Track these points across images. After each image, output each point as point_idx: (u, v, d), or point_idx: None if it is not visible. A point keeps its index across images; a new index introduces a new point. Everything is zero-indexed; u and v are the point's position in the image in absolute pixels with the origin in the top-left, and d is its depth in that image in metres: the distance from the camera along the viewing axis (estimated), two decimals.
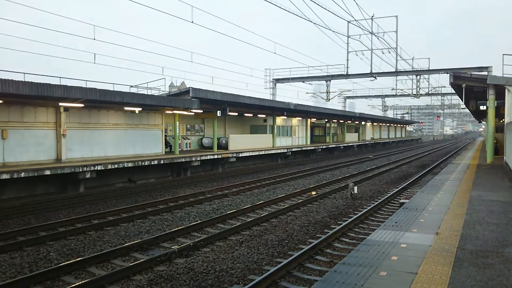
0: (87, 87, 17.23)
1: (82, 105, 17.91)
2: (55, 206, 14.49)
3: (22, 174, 14.80)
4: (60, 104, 17.52)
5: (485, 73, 28.96)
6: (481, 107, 21.91)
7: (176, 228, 10.89)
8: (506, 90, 18.61)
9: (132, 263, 8.15)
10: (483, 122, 54.32)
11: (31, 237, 10.32)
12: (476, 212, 9.05)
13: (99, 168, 17.55)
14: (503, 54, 19.01)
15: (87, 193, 17.44)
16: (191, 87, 22.50)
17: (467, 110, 55.55)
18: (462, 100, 26.22)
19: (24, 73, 17.11)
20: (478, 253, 6.06)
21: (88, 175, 17.12)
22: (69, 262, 8.07)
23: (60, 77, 18.76)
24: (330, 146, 43.00)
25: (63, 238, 10.44)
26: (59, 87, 15.81)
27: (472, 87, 22.10)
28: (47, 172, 15.62)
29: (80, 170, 16.82)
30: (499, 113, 22.56)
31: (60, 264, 8.00)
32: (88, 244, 9.93)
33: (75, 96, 16.39)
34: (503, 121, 22.22)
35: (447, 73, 29.88)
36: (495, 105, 20.69)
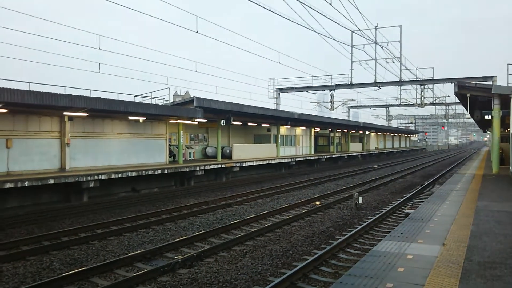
0: (91, 96, 17.30)
1: (86, 114, 17.96)
2: (59, 215, 14.47)
3: (26, 183, 14.80)
4: (65, 113, 17.57)
5: (490, 82, 28.89)
6: (486, 117, 21.80)
7: (180, 238, 10.83)
8: (511, 100, 18.52)
9: (136, 273, 8.09)
10: (488, 132, 54.09)
11: (34, 246, 10.29)
12: (483, 222, 8.94)
13: (102, 177, 17.54)
14: (508, 64, 18.94)
15: (90, 202, 17.42)
16: (195, 97, 22.55)
17: (471, 120, 55.36)
18: (467, 110, 26.10)
19: (29, 82, 17.21)
20: (486, 265, 5.96)
21: (91, 184, 17.10)
22: (72, 272, 8.01)
23: (64, 87, 18.89)
24: (334, 155, 42.89)
25: (66, 247, 10.39)
26: (64, 97, 15.88)
27: (477, 96, 22.02)
28: (51, 181, 15.62)
29: (84, 179, 16.81)
30: (504, 123, 22.46)
31: (63, 274, 7.93)
32: (91, 253, 9.88)
33: (80, 106, 16.45)
34: (509, 131, 22.10)
35: (452, 82, 29.86)
36: (500, 114, 20.59)
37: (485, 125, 44.67)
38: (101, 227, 12.65)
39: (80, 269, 8.17)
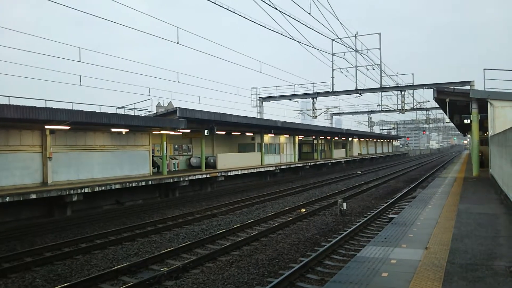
0: (73, 109, 17.14)
1: (68, 127, 17.78)
2: (41, 230, 14.24)
3: (7, 199, 14.53)
4: (46, 126, 17.37)
5: (468, 87, 29.47)
6: (465, 121, 22.26)
7: (165, 250, 10.76)
8: (489, 104, 18.96)
9: (121, 287, 8.01)
10: (468, 136, 55.06)
11: (16, 263, 10.10)
12: (464, 225, 9.11)
13: (86, 190, 17.34)
14: (484, 69, 19.40)
15: (74, 216, 17.18)
16: (178, 107, 22.51)
17: (452, 124, 56.29)
18: (447, 114, 26.60)
19: (8, 96, 16.95)
20: (467, 267, 6.08)
21: (75, 198, 16.88)
22: None
23: (45, 100, 18.65)
24: (318, 162, 43.12)
25: (50, 263, 10.24)
26: (45, 110, 15.70)
27: (455, 101, 22.47)
28: (33, 196, 15.38)
29: (67, 193, 16.59)
30: (483, 126, 22.93)
31: None
32: (75, 268, 9.75)
33: (61, 119, 16.27)
34: (487, 134, 22.56)
35: (431, 88, 30.38)
36: (479, 118, 21.04)
37: (464, 129, 45.52)
38: (85, 241, 12.50)
39: (64, 285, 8.06)
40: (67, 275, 9.24)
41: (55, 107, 16.10)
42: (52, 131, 18.08)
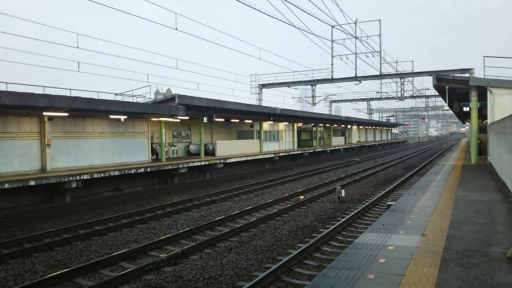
0: (71, 96, 17.07)
1: (66, 114, 17.73)
2: (41, 217, 14.29)
3: (6, 186, 14.55)
4: (44, 113, 17.32)
5: (468, 75, 29.37)
6: (464, 109, 22.23)
7: (164, 236, 10.82)
8: (488, 91, 18.92)
9: (120, 273, 8.07)
10: (467, 123, 55.07)
11: (15, 249, 10.16)
12: (462, 212, 9.16)
13: (85, 177, 17.37)
14: (484, 56, 19.32)
15: (73, 202, 17.24)
16: (177, 94, 22.43)
17: (451, 112, 56.25)
18: (446, 102, 26.57)
19: (6, 83, 16.88)
20: (464, 253, 6.13)
21: (74, 185, 16.91)
22: (55, 273, 7.96)
23: (43, 86, 18.58)
24: (317, 150, 43.16)
25: (49, 249, 10.29)
26: (43, 96, 15.63)
27: (455, 89, 22.43)
28: (32, 183, 15.40)
29: (66, 179, 16.62)
30: (482, 114, 22.91)
31: (46, 276, 7.88)
32: (74, 254, 9.81)
33: (59, 105, 16.22)
34: (486, 122, 22.56)
35: (431, 75, 30.26)
36: (478, 106, 21.01)
37: (463, 117, 45.53)
38: (84, 227, 12.55)
39: (63, 271, 8.12)
40: (66, 261, 9.30)
41: (54, 94, 16.05)
42: (50, 118, 18.04)
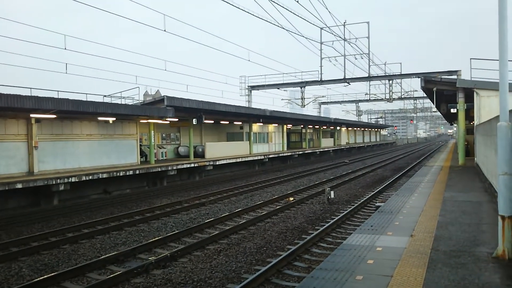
0: (59, 97, 16.92)
1: (54, 116, 17.57)
2: (28, 220, 14.13)
3: None
4: (31, 115, 17.15)
5: (455, 77, 29.71)
6: (452, 110, 22.48)
7: (153, 239, 10.76)
8: (475, 93, 19.14)
9: (108, 276, 8.01)
10: (455, 125, 55.66)
11: (1, 253, 10.02)
12: (449, 213, 9.24)
13: (73, 180, 17.21)
14: (471, 58, 19.55)
15: (61, 205, 17.07)
16: (166, 96, 22.35)
17: (439, 113, 56.75)
18: (434, 104, 26.81)
19: None
20: (451, 254, 6.18)
21: (62, 187, 16.76)
22: (42, 277, 7.87)
23: (31, 88, 18.43)
24: (306, 151, 43.30)
25: (36, 253, 10.17)
26: (30, 98, 15.47)
27: (442, 90, 22.66)
28: (19, 186, 15.22)
29: (54, 182, 16.46)
30: (469, 115, 23.16)
31: (33, 280, 7.79)
32: (62, 258, 9.71)
33: (47, 107, 16.07)
34: (473, 123, 22.82)
35: (419, 77, 30.51)
36: (465, 107, 21.25)
37: (451, 118, 45.95)
38: (72, 230, 12.44)
39: (50, 274, 8.03)
40: (54, 265, 9.20)
41: (41, 96, 15.90)
42: (37, 120, 17.87)
